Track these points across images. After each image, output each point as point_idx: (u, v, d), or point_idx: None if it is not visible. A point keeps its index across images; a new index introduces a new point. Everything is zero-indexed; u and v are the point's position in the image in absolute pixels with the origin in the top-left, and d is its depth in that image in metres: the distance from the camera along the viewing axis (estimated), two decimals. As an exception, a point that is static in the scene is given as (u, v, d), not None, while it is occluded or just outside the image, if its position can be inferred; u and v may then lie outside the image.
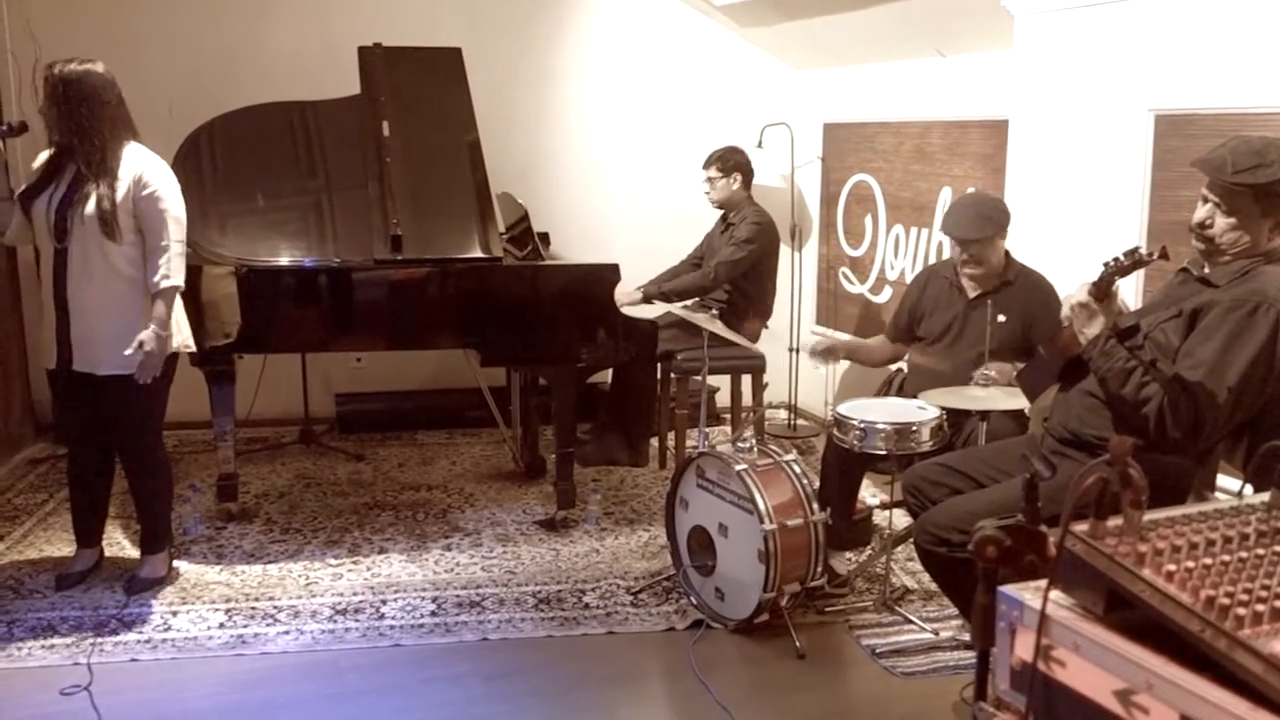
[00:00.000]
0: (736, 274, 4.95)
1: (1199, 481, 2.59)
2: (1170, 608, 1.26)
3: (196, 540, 4.06)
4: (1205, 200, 2.55)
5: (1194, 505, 1.54)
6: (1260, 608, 1.24)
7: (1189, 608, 1.25)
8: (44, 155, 3.44)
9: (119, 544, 3.99)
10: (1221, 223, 2.51)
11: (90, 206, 3.29)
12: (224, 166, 4.31)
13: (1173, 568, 1.32)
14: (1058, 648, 1.37)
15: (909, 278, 4.94)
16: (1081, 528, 1.41)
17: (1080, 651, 1.34)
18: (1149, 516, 1.45)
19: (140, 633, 3.33)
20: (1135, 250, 2.52)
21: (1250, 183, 2.43)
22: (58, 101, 3.27)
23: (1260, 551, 1.38)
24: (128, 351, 3.33)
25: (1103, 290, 2.55)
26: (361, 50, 4.56)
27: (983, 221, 3.65)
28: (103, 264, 3.33)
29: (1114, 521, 1.42)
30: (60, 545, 3.95)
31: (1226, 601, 1.25)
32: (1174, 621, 1.25)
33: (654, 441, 5.13)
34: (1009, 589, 1.47)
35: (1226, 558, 1.36)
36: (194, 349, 3.65)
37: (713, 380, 5.19)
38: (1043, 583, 1.45)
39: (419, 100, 4.53)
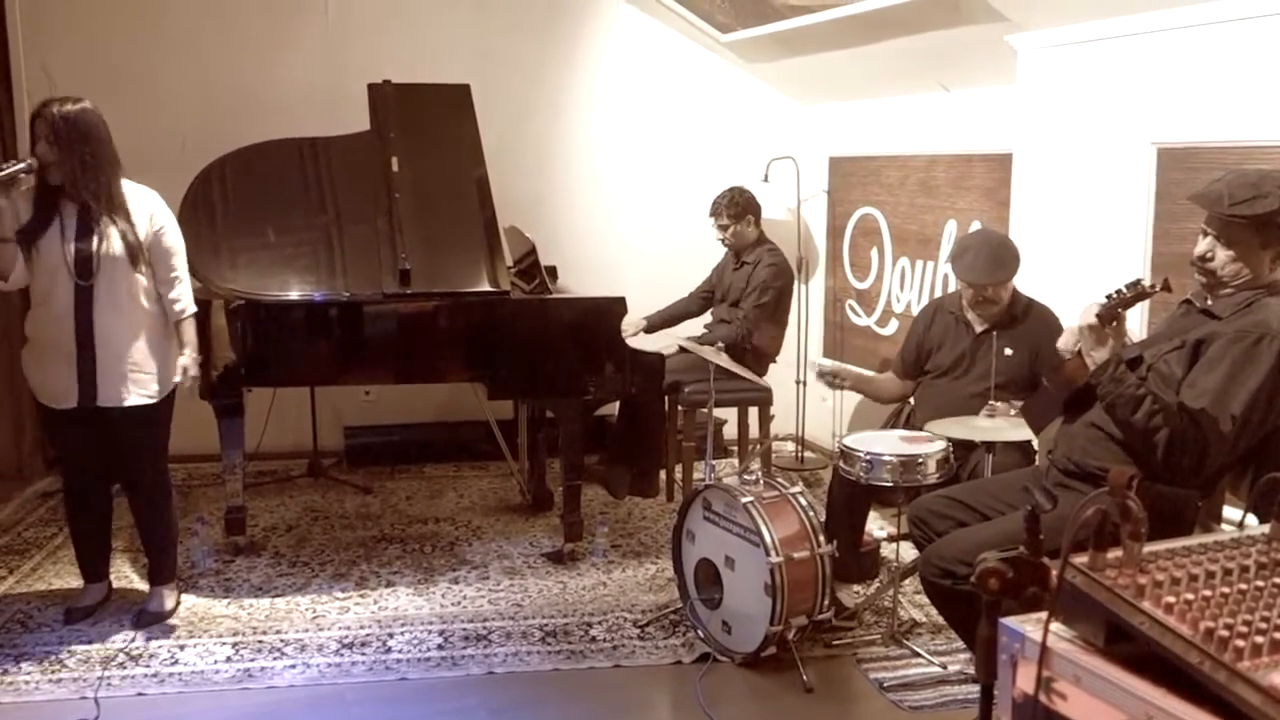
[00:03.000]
0: (766, 317, 4.95)
1: (1204, 512, 2.59)
2: (1169, 640, 1.26)
3: (204, 573, 4.06)
4: (1205, 234, 2.57)
5: (1195, 537, 1.54)
6: (1260, 640, 1.24)
7: (1188, 640, 1.25)
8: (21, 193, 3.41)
9: (127, 577, 4.00)
10: (1222, 255, 2.53)
11: (117, 242, 3.34)
12: (235, 201, 4.35)
13: (1172, 599, 1.32)
14: (1059, 680, 1.37)
15: (915, 310, 4.96)
16: (1082, 560, 1.42)
17: (1081, 684, 1.34)
18: (1149, 548, 1.46)
19: (147, 666, 3.33)
20: (1138, 282, 2.53)
21: (1248, 214, 2.45)
22: (60, 141, 3.28)
23: (1260, 583, 1.38)
24: (176, 378, 3.49)
25: (1107, 320, 2.56)
26: (371, 87, 4.62)
27: (997, 265, 3.66)
28: (129, 298, 3.40)
29: (1114, 553, 1.43)
30: (69, 579, 3.96)
31: (1226, 634, 1.25)
32: (1173, 653, 1.25)
33: (662, 474, 5.13)
34: (1010, 621, 1.48)
35: (1226, 589, 1.36)
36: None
37: (720, 413, 5.20)
38: (1044, 615, 1.45)
39: (428, 136, 4.57)
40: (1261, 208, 2.44)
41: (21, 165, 3.27)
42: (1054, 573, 1.50)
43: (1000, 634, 1.48)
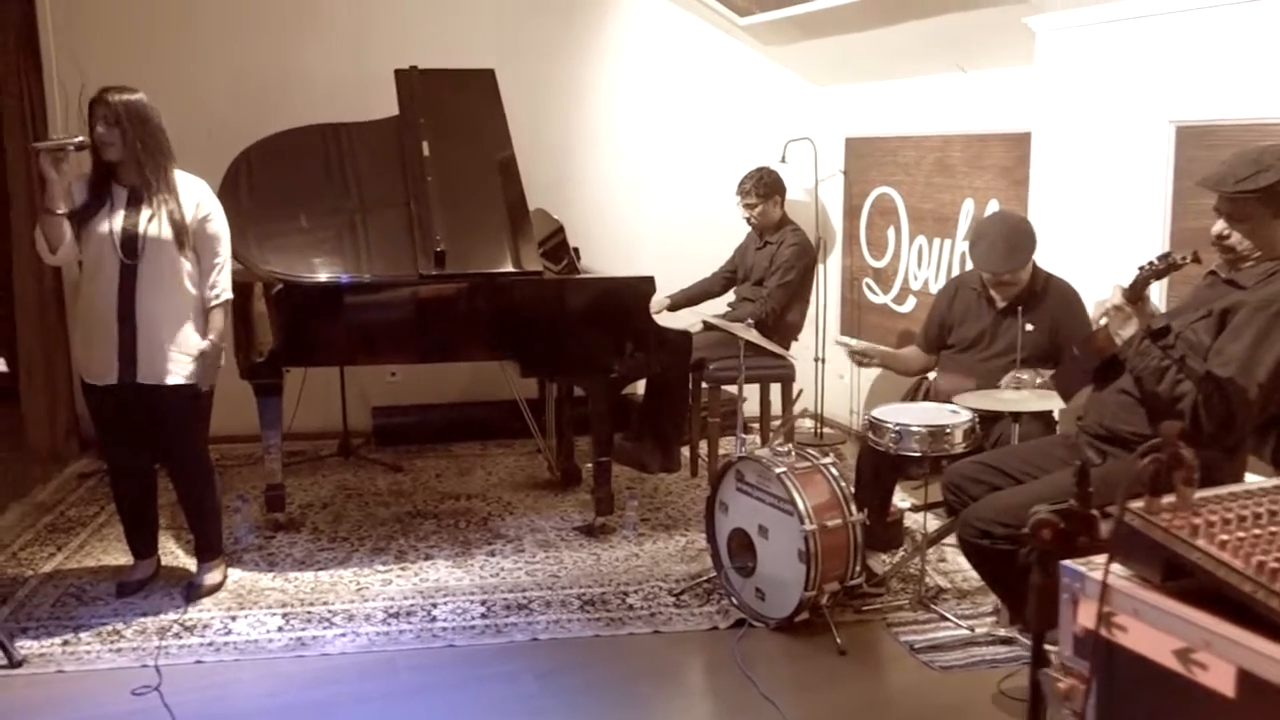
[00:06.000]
0: (789, 297, 5.06)
1: (1229, 475, 2.69)
2: (1224, 573, 1.38)
3: (248, 549, 4.18)
4: (1219, 214, 2.68)
5: (1240, 485, 1.65)
6: (1306, 571, 1.36)
7: (1242, 572, 1.36)
8: (77, 177, 3.54)
9: (173, 554, 4.11)
10: (1238, 232, 2.64)
11: (165, 224, 3.46)
12: (267, 187, 4.43)
13: (1225, 538, 1.43)
14: (1119, 614, 1.48)
15: (932, 288, 5.07)
16: (1138, 505, 1.53)
17: (1140, 616, 1.45)
18: (1199, 495, 1.57)
19: (202, 636, 3.44)
20: (1168, 255, 2.64)
21: (1253, 189, 2.56)
22: (122, 126, 3.41)
23: (1303, 523, 1.50)
24: (190, 362, 3.53)
25: (1137, 293, 2.67)
26: (398, 73, 4.71)
27: (1012, 252, 3.75)
28: (172, 279, 3.51)
29: (1168, 499, 1.54)
30: (116, 554, 4.07)
31: (1276, 565, 1.36)
32: (1229, 585, 1.37)
33: (685, 449, 5.24)
34: (1071, 563, 1.59)
35: (1275, 529, 1.47)
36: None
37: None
38: (1100, 558, 1.56)
39: (455, 120, 4.66)
40: (1265, 180, 2.55)
41: (74, 140, 3.40)
42: (1102, 523, 1.62)
43: (1061, 576, 1.59)
